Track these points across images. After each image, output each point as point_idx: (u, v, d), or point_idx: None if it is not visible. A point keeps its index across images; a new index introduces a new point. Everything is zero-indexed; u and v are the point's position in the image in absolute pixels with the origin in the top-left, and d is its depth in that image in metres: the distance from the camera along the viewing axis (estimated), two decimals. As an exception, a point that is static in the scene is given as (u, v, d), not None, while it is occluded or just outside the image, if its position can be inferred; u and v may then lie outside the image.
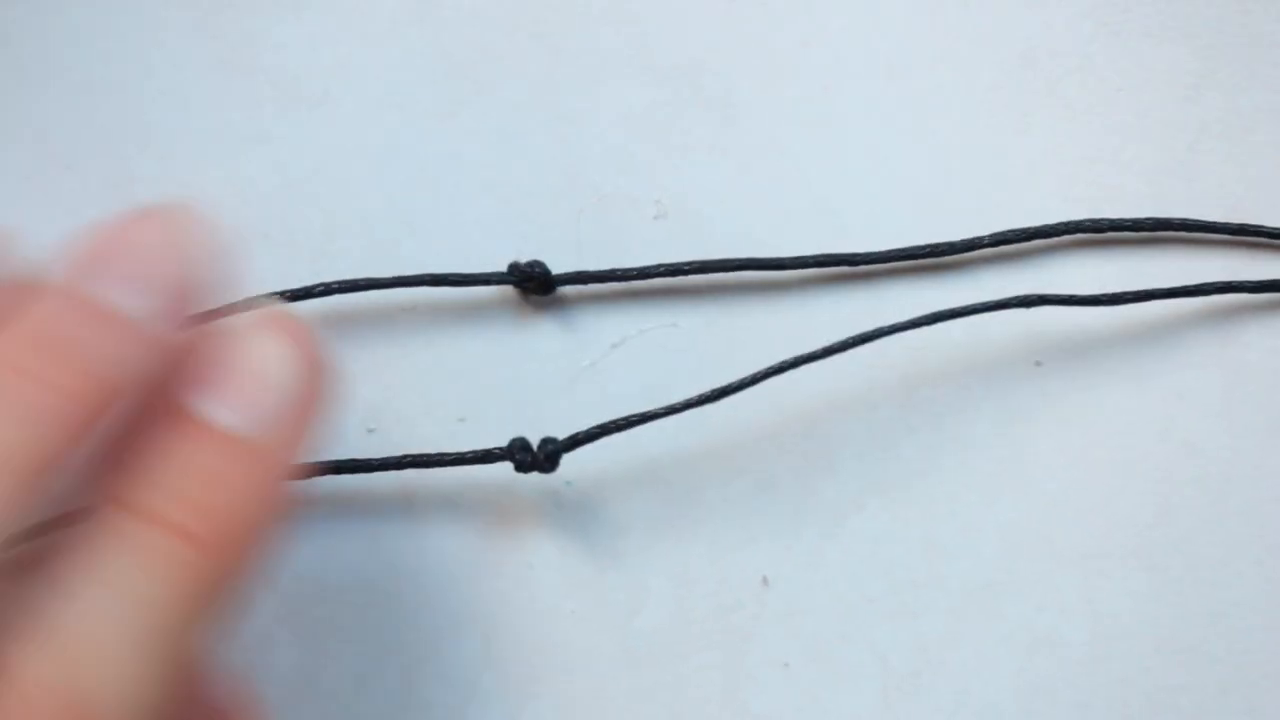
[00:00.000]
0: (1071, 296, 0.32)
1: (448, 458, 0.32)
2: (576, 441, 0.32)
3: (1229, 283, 0.33)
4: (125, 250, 0.30)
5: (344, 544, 0.33)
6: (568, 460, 0.33)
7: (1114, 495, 0.33)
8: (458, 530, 0.33)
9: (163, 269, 0.30)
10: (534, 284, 0.33)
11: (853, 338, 0.31)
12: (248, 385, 0.30)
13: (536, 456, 0.32)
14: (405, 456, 0.32)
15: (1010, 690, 0.33)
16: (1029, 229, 0.33)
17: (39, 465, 0.28)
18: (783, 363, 0.31)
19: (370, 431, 0.33)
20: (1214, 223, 0.33)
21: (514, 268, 0.33)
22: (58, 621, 0.27)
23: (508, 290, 0.33)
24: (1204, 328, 0.34)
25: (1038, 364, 0.33)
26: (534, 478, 0.33)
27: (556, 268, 0.33)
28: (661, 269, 0.32)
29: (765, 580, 0.33)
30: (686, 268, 0.32)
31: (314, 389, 0.31)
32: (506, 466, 0.32)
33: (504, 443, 0.32)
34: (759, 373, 0.31)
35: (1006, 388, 0.33)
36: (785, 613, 0.33)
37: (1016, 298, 0.32)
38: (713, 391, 0.31)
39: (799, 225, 0.33)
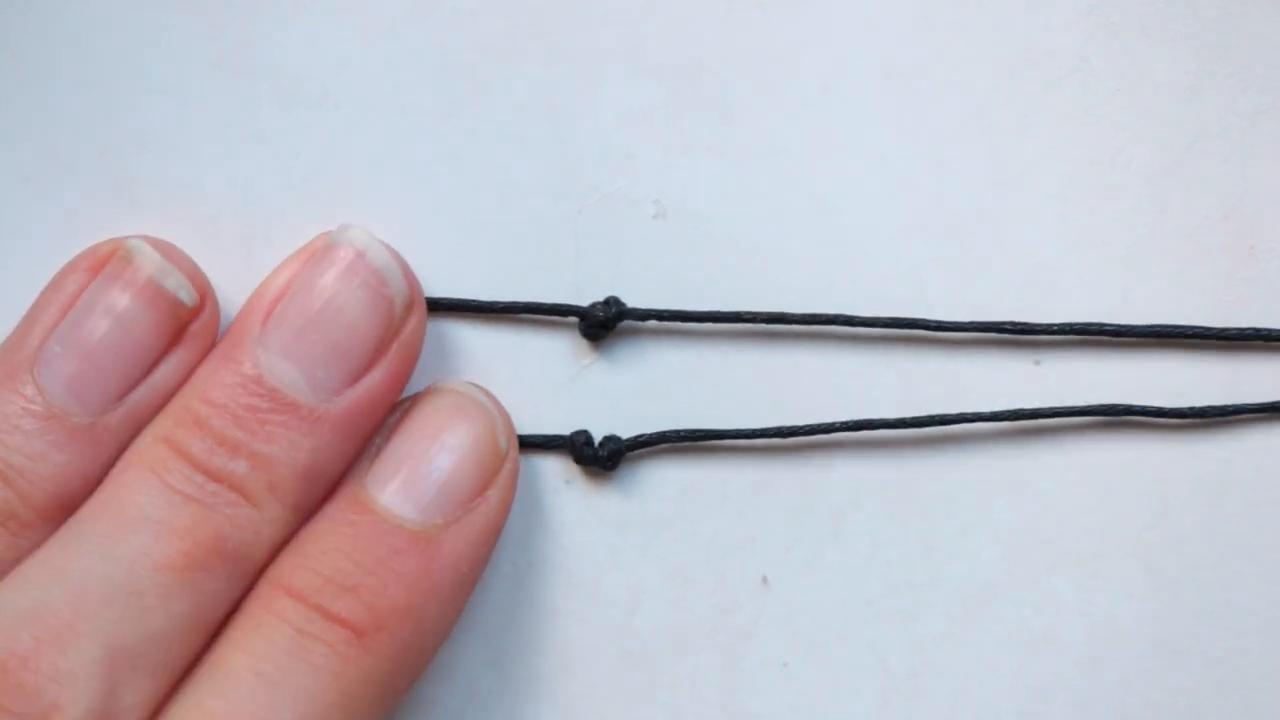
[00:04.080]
0: (1160, 409, 0.32)
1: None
2: (638, 444, 0.32)
3: None
4: (299, 313, 0.29)
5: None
6: (565, 461, 0.33)
7: (1112, 496, 0.33)
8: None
9: (340, 333, 0.29)
10: (598, 325, 0.33)
11: (928, 416, 0.32)
12: (422, 472, 0.29)
13: (599, 452, 0.32)
14: None
15: (1008, 691, 0.33)
16: (1112, 326, 0.32)
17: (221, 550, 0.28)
18: (857, 421, 0.32)
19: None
20: None
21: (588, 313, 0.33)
22: (210, 706, 0.27)
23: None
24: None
25: (1036, 363, 0.33)
26: (533, 478, 0.33)
27: (554, 267, 0.33)
28: (745, 315, 0.32)
29: (764, 580, 0.33)
30: (750, 316, 0.32)
31: (491, 479, 0.30)
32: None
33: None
34: (829, 424, 0.32)
35: (1005, 388, 0.33)
36: (784, 613, 0.33)
37: (1102, 405, 0.32)
38: (779, 429, 0.32)
39: (797, 225, 0.33)
